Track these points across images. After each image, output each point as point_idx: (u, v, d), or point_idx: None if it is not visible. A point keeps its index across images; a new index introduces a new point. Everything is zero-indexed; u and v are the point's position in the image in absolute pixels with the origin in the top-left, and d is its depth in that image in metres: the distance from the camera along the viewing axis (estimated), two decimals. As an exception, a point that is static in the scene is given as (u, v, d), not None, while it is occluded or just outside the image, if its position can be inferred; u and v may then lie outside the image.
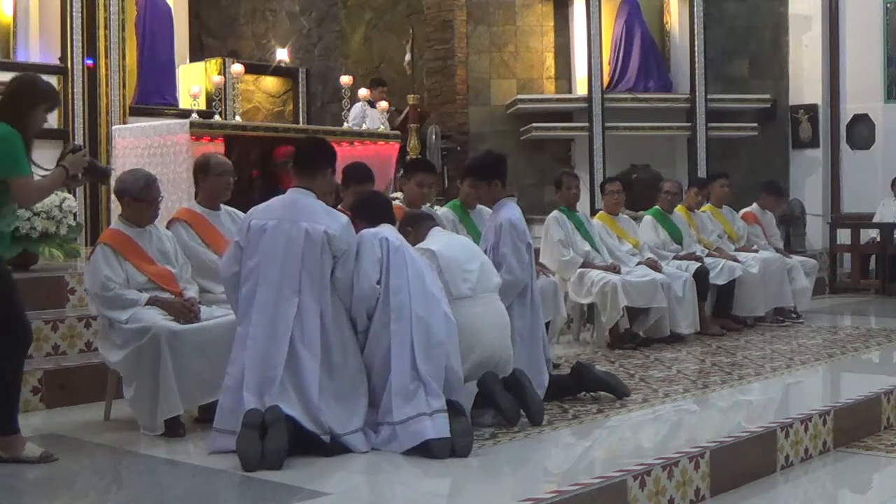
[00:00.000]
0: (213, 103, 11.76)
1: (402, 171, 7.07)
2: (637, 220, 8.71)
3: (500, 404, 4.78)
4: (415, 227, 5.27)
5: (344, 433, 4.41)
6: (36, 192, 4.43)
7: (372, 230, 4.82)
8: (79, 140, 9.08)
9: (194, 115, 9.36)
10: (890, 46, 12.35)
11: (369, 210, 5.07)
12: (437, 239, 5.23)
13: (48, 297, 6.27)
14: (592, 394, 5.52)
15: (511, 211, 5.65)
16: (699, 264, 8.24)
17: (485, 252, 5.46)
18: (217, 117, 10.46)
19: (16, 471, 4.27)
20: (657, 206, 8.69)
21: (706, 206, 9.29)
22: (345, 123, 10.32)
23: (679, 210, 8.76)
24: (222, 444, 4.39)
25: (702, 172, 11.67)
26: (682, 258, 8.34)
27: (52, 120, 9.06)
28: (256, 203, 4.91)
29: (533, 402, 4.87)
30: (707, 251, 8.66)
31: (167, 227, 5.47)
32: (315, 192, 4.77)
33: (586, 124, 12.10)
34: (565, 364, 6.43)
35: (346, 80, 10.66)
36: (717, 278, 8.40)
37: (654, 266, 7.82)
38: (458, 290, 4.98)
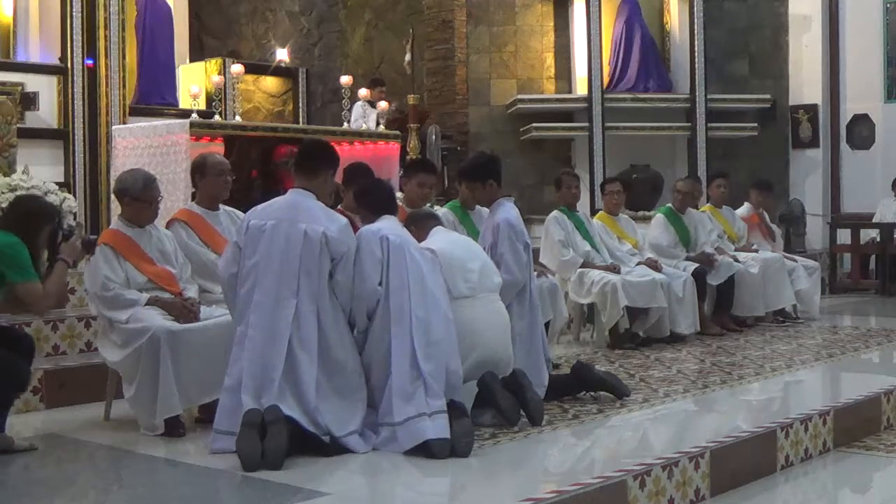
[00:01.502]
0: (213, 103, 11.74)
1: (402, 171, 7.07)
2: (637, 220, 8.70)
3: (500, 404, 4.78)
4: (418, 227, 5.27)
5: (342, 435, 4.41)
6: (46, 297, 4.51)
7: (372, 228, 4.80)
8: (79, 140, 9.06)
9: (194, 115, 9.35)
10: (890, 46, 12.34)
11: (374, 200, 5.05)
12: (439, 238, 5.23)
13: (48, 297, 6.27)
14: (592, 394, 5.52)
15: (508, 211, 5.66)
16: (697, 264, 8.23)
17: None
18: (217, 117, 10.44)
19: (16, 471, 4.28)
20: (669, 206, 8.68)
21: (706, 206, 9.30)
22: (345, 124, 10.31)
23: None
24: (222, 445, 4.39)
25: (702, 172, 11.66)
26: (693, 259, 8.33)
27: (52, 120, 9.09)
28: (256, 203, 4.91)
29: (533, 402, 4.87)
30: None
31: (166, 228, 5.47)
32: (315, 194, 4.76)
33: (586, 124, 12.09)
34: (565, 364, 6.43)
35: (346, 80, 10.65)
36: (714, 278, 8.38)
37: (654, 266, 7.82)
38: (458, 290, 4.98)
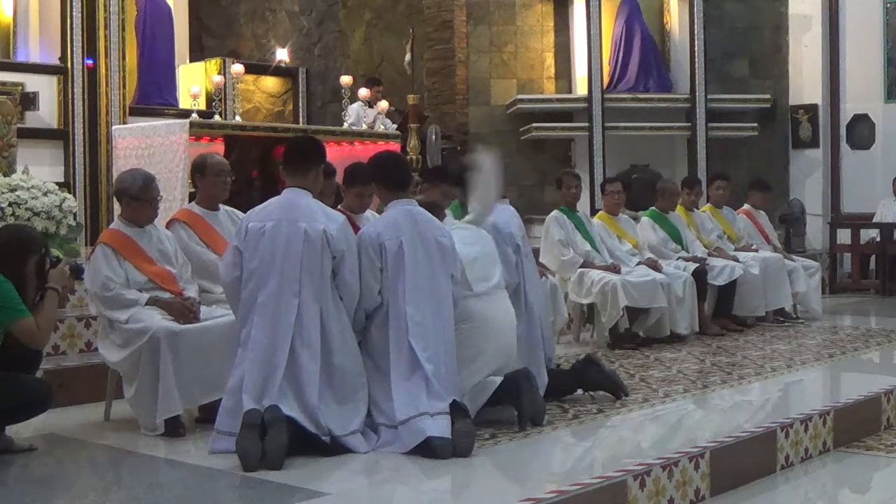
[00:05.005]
0: (213, 103, 11.75)
1: (421, 177, 7.03)
2: (637, 220, 8.71)
3: (522, 405, 4.78)
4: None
5: (343, 434, 4.41)
6: (41, 331, 4.46)
7: (371, 233, 4.78)
8: (79, 140, 9.07)
9: (194, 115, 9.36)
10: (890, 46, 12.33)
11: (394, 177, 5.02)
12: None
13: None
14: (591, 393, 5.53)
15: (498, 214, 5.68)
16: (697, 265, 8.23)
17: None
18: (217, 117, 10.46)
19: (16, 471, 4.29)
20: (653, 207, 8.69)
21: (706, 207, 9.31)
22: (345, 124, 10.33)
23: (678, 210, 8.76)
24: (223, 446, 4.39)
25: (702, 172, 11.66)
26: (686, 260, 8.33)
27: (52, 120, 9.09)
28: (257, 203, 4.91)
29: (536, 401, 4.87)
30: (707, 251, 8.67)
31: (166, 228, 5.47)
32: (309, 191, 4.76)
33: (586, 124, 12.09)
34: (566, 365, 6.41)
35: (346, 80, 10.66)
36: (718, 279, 8.39)
37: (654, 266, 7.82)
38: (479, 287, 5.00)
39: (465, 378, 4.81)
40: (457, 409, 4.46)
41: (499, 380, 4.84)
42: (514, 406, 4.84)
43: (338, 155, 8.49)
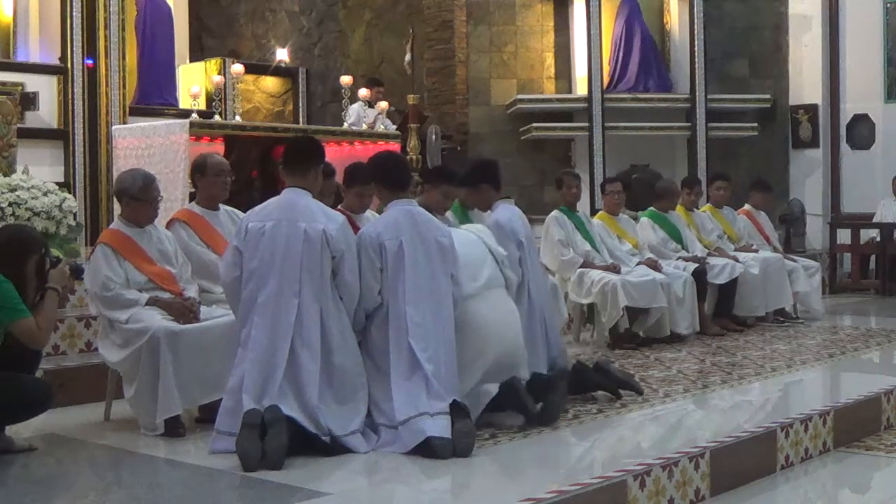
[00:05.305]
0: (213, 103, 11.75)
1: (421, 177, 7.03)
2: (637, 220, 8.72)
3: (527, 408, 4.78)
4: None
5: (344, 434, 4.41)
6: (41, 332, 4.45)
7: (371, 233, 4.79)
8: (79, 140, 9.07)
9: (194, 115, 9.37)
10: (890, 46, 12.33)
11: (394, 177, 5.03)
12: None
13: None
14: (592, 393, 5.53)
15: (501, 213, 5.68)
16: (697, 265, 8.23)
17: None
18: (217, 117, 10.46)
19: (16, 471, 4.29)
20: (653, 207, 8.70)
21: (706, 207, 9.31)
22: (345, 124, 10.33)
23: (678, 210, 8.77)
24: (223, 446, 4.39)
25: (702, 172, 11.66)
26: (685, 260, 8.33)
27: (52, 120, 9.09)
28: (256, 203, 4.91)
29: (552, 405, 4.87)
30: (707, 251, 8.67)
31: (167, 228, 5.47)
32: (309, 191, 4.76)
33: (586, 124, 12.09)
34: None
35: (346, 80, 10.67)
36: (719, 277, 8.39)
37: (654, 266, 7.82)
38: (469, 287, 5.00)
39: (465, 378, 4.81)
40: (457, 409, 4.46)
41: (495, 388, 4.83)
42: (519, 411, 4.83)
43: (338, 155, 8.49)
